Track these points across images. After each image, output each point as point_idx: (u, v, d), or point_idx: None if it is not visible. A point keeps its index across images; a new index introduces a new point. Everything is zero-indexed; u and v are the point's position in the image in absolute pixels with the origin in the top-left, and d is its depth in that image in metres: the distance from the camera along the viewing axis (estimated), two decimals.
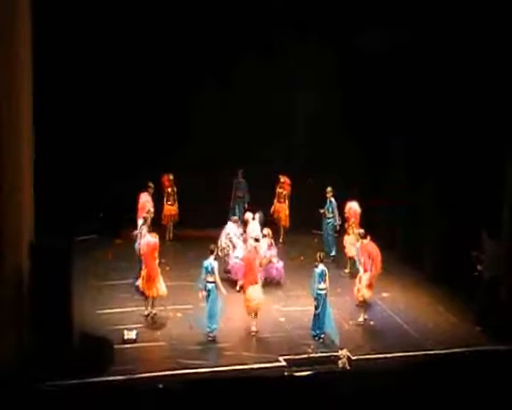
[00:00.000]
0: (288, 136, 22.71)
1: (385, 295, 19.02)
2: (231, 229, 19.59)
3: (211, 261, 16.76)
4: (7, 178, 14.80)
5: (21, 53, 15.06)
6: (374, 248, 17.96)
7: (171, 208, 21.82)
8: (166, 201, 21.72)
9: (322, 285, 16.72)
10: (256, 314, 16.94)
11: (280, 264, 19.07)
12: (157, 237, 17.75)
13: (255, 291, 16.93)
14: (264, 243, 18.98)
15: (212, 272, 16.66)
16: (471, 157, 18.84)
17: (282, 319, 17.44)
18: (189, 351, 16.03)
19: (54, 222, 17.12)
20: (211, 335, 16.55)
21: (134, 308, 17.69)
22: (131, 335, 16.29)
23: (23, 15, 15.13)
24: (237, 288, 18.85)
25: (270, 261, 19.10)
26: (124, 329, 16.42)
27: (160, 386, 14.27)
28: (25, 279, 15.11)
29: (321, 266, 16.82)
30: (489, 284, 17.47)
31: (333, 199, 20.84)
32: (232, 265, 19.20)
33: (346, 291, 18.79)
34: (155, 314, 17.42)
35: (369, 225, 19.44)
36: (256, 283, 17.00)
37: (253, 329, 16.92)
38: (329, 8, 21.35)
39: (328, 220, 20.87)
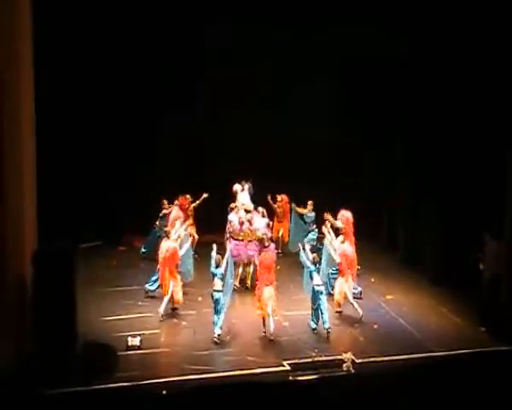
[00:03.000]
0: (287, 137, 22.71)
1: (388, 297, 19.06)
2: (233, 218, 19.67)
3: (220, 270, 16.81)
4: (9, 184, 14.82)
5: (23, 55, 15.05)
6: (351, 251, 18.17)
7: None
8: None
9: (318, 281, 16.95)
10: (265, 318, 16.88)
11: (272, 245, 19.14)
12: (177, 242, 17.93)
13: (269, 293, 16.88)
14: (263, 221, 18.92)
15: (221, 279, 16.67)
16: (472, 159, 18.84)
17: (286, 324, 17.43)
18: (193, 357, 16.00)
19: (57, 228, 17.15)
20: (216, 338, 16.56)
21: (138, 315, 17.72)
22: (135, 341, 16.25)
23: (24, 15, 15.11)
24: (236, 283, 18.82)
25: (270, 239, 18.99)
26: (128, 335, 16.39)
27: (164, 392, 14.30)
28: (28, 285, 15.13)
29: (312, 267, 17.06)
30: (490, 284, 17.49)
31: (313, 213, 20.94)
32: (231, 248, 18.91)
33: None
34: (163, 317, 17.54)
35: (371, 228, 19.55)
36: (271, 284, 16.99)
37: (270, 333, 16.78)
38: (330, 8, 21.36)
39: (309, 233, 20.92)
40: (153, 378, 15.07)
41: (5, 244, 14.80)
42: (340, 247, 18.15)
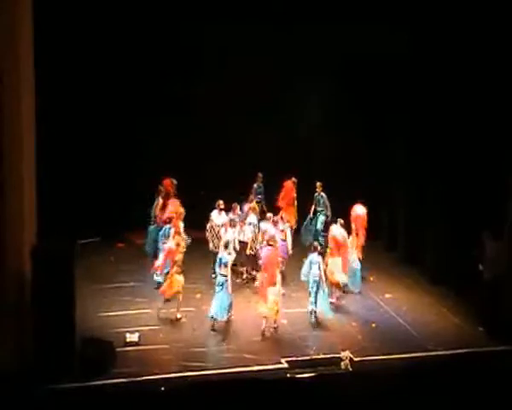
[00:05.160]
0: (288, 137, 22.70)
1: (387, 296, 19.07)
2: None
3: (225, 255, 16.96)
4: (9, 182, 14.81)
5: (23, 55, 14.99)
6: (340, 234, 18.32)
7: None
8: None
9: (315, 271, 17.15)
10: (274, 319, 16.95)
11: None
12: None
13: (274, 294, 16.90)
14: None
15: (225, 266, 16.80)
16: (472, 158, 18.82)
17: (285, 321, 17.41)
18: (192, 353, 16.02)
19: (55, 225, 17.13)
20: (215, 326, 16.69)
21: (136, 311, 17.71)
22: (134, 337, 16.28)
23: (24, 15, 15.06)
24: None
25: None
26: (126, 331, 16.41)
27: (162, 389, 14.28)
28: (27, 283, 15.10)
29: (313, 255, 17.34)
30: (490, 284, 17.46)
31: (323, 194, 21.10)
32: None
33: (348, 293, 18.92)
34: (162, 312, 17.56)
35: (372, 227, 19.54)
36: (275, 284, 16.98)
37: (267, 334, 16.87)
38: (330, 7, 21.36)
39: (318, 215, 21.15)
40: (151, 375, 15.08)
41: (4, 241, 14.78)
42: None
